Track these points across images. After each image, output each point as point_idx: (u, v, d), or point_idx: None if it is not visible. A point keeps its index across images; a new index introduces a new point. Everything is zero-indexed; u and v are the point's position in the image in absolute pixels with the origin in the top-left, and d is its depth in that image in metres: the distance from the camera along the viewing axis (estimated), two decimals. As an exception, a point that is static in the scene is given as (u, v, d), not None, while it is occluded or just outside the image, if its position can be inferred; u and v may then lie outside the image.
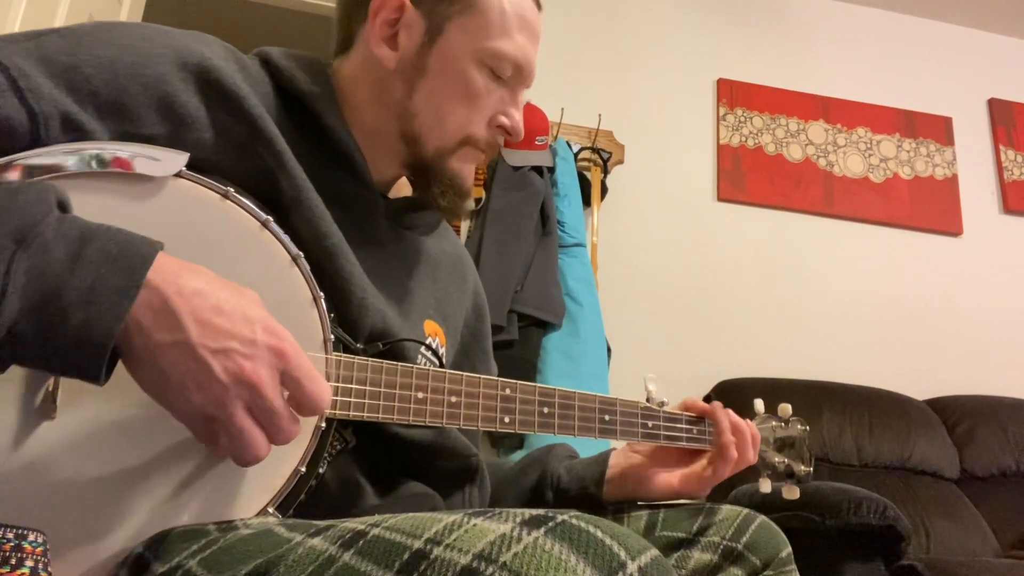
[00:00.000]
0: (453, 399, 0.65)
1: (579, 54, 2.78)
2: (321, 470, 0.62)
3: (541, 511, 0.40)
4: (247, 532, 0.49)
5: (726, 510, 0.76)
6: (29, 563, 0.44)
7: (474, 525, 0.39)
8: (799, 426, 0.87)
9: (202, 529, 0.51)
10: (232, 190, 0.58)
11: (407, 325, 0.72)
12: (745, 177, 2.78)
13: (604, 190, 2.57)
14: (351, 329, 0.65)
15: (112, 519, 0.51)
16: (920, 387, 2.53)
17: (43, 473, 0.50)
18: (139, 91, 0.58)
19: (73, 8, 1.90)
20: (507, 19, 0.72)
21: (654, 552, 0.38)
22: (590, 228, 2.49)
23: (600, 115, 2.60)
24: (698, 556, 0.73)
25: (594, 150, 2.56)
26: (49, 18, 1.83)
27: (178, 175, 0.56)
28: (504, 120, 0.74)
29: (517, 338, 2.07)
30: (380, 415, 0.62)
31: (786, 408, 0.87)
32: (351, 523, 0.44)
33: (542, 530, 0.37)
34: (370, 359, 0.63)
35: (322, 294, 0.61)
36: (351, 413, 0.61)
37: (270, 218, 0.59)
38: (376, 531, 0.41)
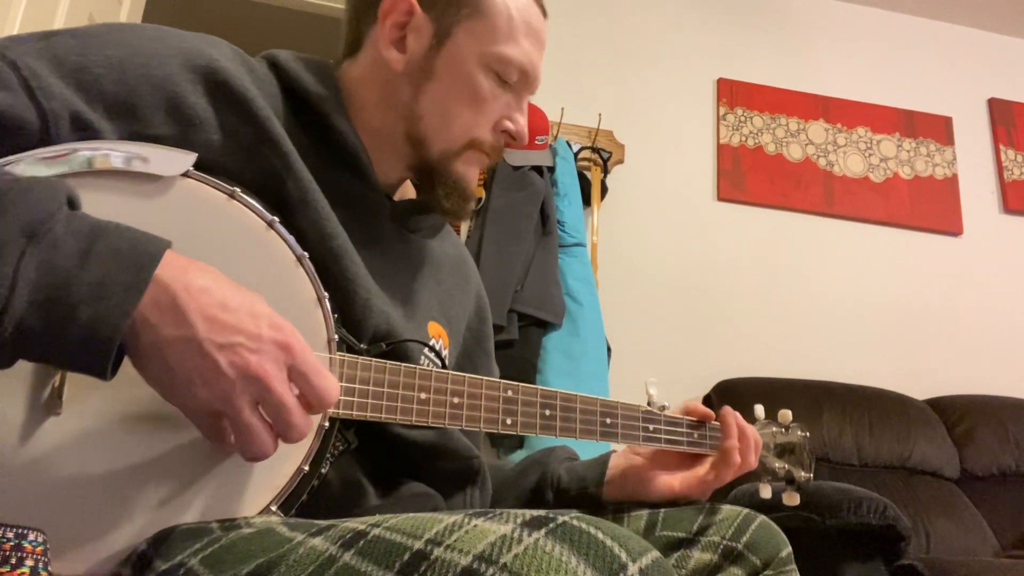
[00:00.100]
0: (455, 400, 0.65)
1: (579, 54, 2.78)
2: (323, 470, 0.63)
3: (542, 512, 0.40)
4: (249, 531, 0.49)
5: (726, 510, 0.76)
6: (29, 562, 0.45)
7: (475, 526, 0.39)
8: (799, 432, 0.88)
9: (205, 527, 0.51)
10: (238, 190, 0.58)
11: (411, 326, 0.73)
12: (745, 177, 2.78)
13: (604, 190, 2.57)
14: (355, 330, 0.65)
15: (116, 516, 0.51)
16: (920, 387, 2.53)
17: (48, 469, 0.50)
18: (148, 91, 0.59)
19: (73, 8, 1.90)
20: (514, 25, 0.72)
21: (655, 554, 0.38)
22: (590, 228, 2.49)
23: (600, 115, 2.60)
24: (698, 556, 0.73)
25: (594, 150, 2.56)
26: (49, 18, 1.83)
27: (185, 175, 0.57)
28: (509, 125, 0.75)
29: (517, 338, 2.08)
30: (383, 415, 0.62)
31: (786, 414, 0.88)
32: (352, 523, 0.44)
33: (543, 531, 0.37)
34: (373, 359, 0.63)
35: (327, 294, 0.61)
36: (354, 413, 0.61)
37: (276, 218, 0.60)
38: (377, 531, 0.41)
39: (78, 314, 0.43)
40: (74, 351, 0.44)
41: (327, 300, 0.61)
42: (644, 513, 0.79)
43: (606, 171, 2.58)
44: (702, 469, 0.81)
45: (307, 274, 0.60)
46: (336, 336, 0.61)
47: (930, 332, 2.73)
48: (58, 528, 0.49)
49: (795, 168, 2.83)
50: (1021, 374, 2.69)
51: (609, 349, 2.26)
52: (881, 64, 3.05)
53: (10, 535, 0.45)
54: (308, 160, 0.66)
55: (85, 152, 0.54)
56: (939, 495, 2.23)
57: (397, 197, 0.80)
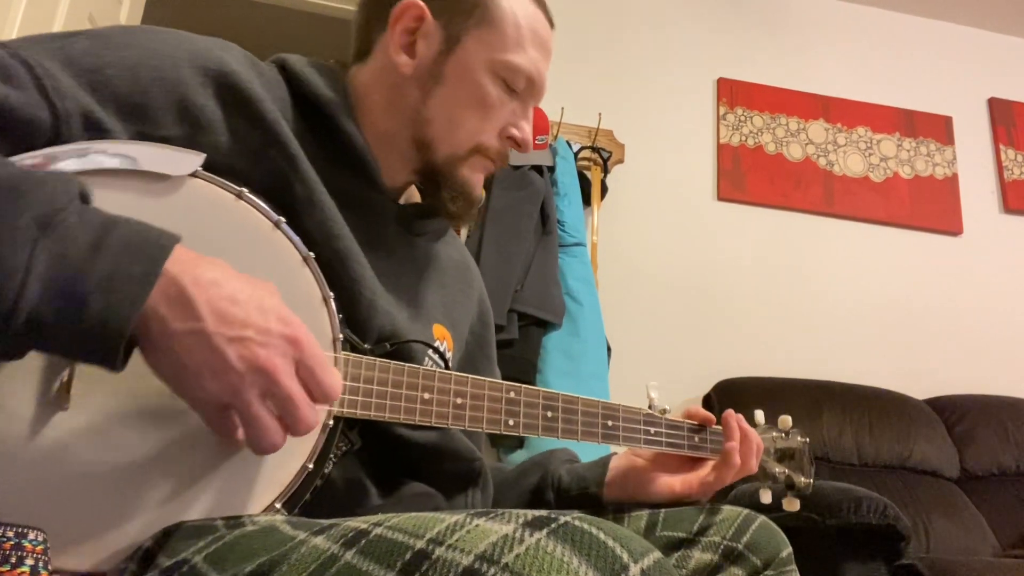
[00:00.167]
0: (458, 401, 0.66)
1: (579, 53, 2.78)
2: (327, 470, 0.63)
3: (544, 512, 0.40)
4: (252, 529, 0.49)
5: (727, 510, 0.76)
6: (29, 561, 0.45)
7: (476, 526, 0.39)
8: (799, 438, 0.88)
9: (210, 524, 0.51)
10: (246, 191, 0.59)
11: (416, 328, 0.73)
12: (745, 176, 2.78)
13: (604, 189, 2.57)
14: (360, 330, 0.66)
15: (123, 511, 0.52)
16: (920, 387, 2.54)
17: (55, 464, 0.50)
18: (159, 93, 0.60)
19: (73, 8, 1.90)
20: (521, 34, 0.74)
21: (657, 555, 0.38)
22: (590, 227, 2.49)
23: (600, 114, 2.60)
24: (699, 556, 0.73)
25: (594, 149, 2.56)
26: (49, 18, 1.83)
27: (193, 175, 0.58)
28: (515, 132, 0.76)
29: (517, 337, 2.08)
30: (387, 414, 0.63)
31: (786, 420, 0.88)
32: (354, 522, 0.44)
33: (544, 531, 0.38)
34: (378, 359, 0.63)
35: (332, 294, 0.62)
36: (358, 412, 0.61)
37: (282, 219, 0.60)
38: (378, 531, 0.41)
39: (89, 305, 0.44)
40: (85, 342, 0.45)
41: (332, 300, 0.62)
42: (644, 513, 0.79)
43: (606, 171, 2.58)
44: (703, 471, 0.82)
45: (313, 274, 0.61)
46: (341, 336, 0.62)
47: (930, 332, 2.73)
48: (65, 523, 0.49)
49: (795, 168, 2.83)
50: (1021, 374, 2.70)
51: (609, 349, 2.26)
52: (881, 64, 3.05)
53: (10, 534, 0.45)
54: (316, 163, 0.67)
55: (96, 150, 0.54)
56: (939, 495, 2.23)
57: (402, 201, 0.80)
